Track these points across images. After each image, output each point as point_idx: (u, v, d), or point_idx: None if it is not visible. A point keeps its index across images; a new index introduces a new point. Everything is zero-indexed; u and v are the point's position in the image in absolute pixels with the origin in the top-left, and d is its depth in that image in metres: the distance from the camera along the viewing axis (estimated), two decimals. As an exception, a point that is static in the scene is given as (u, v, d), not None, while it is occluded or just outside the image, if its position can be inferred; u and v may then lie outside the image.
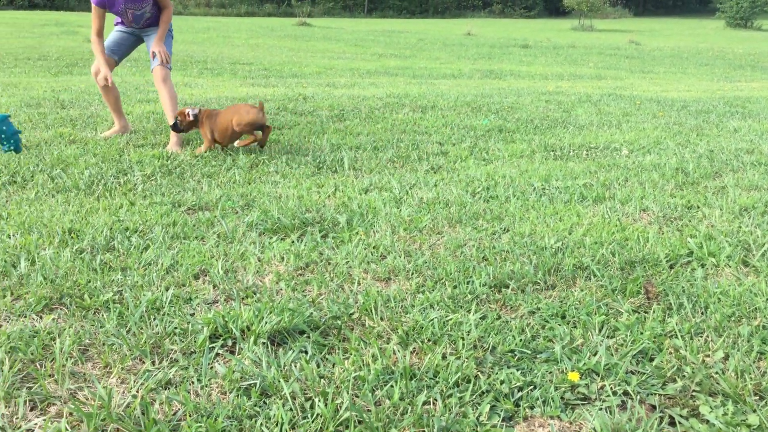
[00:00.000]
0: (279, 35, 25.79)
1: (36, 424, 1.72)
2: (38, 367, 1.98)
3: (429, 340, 2.17)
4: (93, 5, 5.27)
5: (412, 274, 2.74)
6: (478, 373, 1.98)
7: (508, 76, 13.72)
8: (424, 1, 63.85)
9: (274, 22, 37.05)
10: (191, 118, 5.03)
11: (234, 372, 1.94)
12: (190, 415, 1.74)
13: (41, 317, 2.31)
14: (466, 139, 5.96)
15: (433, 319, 2.29)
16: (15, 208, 3.53)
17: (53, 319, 2.28)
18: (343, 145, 5.52)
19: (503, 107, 7.85)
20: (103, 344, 2.12)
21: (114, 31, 5.70)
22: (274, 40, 23.11)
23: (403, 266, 2.80)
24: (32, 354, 2.03)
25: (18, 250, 2.87)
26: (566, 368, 2.03)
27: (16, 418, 1.74)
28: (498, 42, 27.60)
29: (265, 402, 1.82)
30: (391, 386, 1.88)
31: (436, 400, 1.85)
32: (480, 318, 2.34)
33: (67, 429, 1.68)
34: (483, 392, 1.90)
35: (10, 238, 3.06)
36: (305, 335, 2.20)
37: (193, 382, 1.92)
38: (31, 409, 1.79)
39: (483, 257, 2.96)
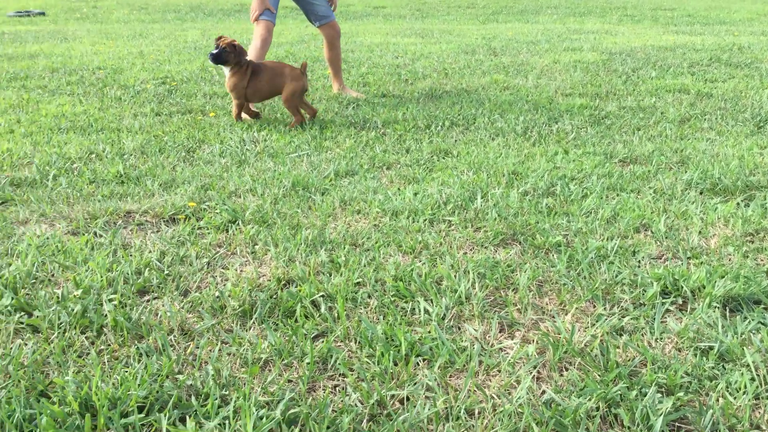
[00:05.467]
0: (703, -24, 23.79)
1: (507, 345, 1.96)
2: (503, 294, 2.23)
3: None
4: None
5: None
6: None
7: None
8: None
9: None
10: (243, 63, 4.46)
11: (688, 330, 1.95)
12: (646, 364, 1.81)
13: (497, 250, 2.58)
14: None
15: None
16: (464, 148, 3.93)
17: (512, 253, 2.53)
18: (790, 102, 4.97)
19: None
20: (556, 283, 2.29)
21: None
22: (698, -18, 21.40)
23: None
24: (497, 282, 2.29)
25: (473, 187, 3.21)
26: None
27: (489, 337, 2.00)
28: None
29: (723, 366, 1.80)
30: None
31: None
32: None
33: (534, 354, 1.88)
34: None
35: (463, 174, 3.43)
36: (761, 306, 2.11)
37: (645, 333, 1.98)
38: (500, 331, 2.04)
39: None
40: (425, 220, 2.84)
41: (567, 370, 1.82)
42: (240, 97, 4.53)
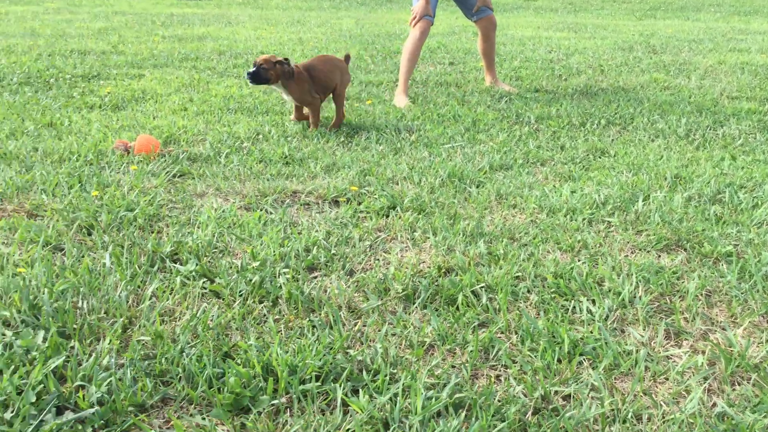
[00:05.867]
0: None
1: (674, 353, 1.91)
2: (668, 301, 2.18)
3: None
4: None
5: None
6: None
7: None
8: None
9: None
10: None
11: None
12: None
13: (660, 255, 2.51)
14: None
15: None
16: (621, 148, 3.83)
17: (678, 259, 2.45)
18: None
19: None
20: (727, 294, 2.21)
21: None
22: None
23: None
24: (662, 288, 2.24)
25: (633, 189, 3.13)
26: None
27: (654, 343, 1.96)
28: None
29: None
30: None
31: None
32: None
33: (704, 365, 1.83)
34: None
35: (621, 175, 3.35)
36: None
37: (825, 355, 1.88)
38: (666, 338, 2.00)
39: None
40: (584, 219, 2.80)
41: (740, 384, 1.76)
42: (315, 100, 4.10)
